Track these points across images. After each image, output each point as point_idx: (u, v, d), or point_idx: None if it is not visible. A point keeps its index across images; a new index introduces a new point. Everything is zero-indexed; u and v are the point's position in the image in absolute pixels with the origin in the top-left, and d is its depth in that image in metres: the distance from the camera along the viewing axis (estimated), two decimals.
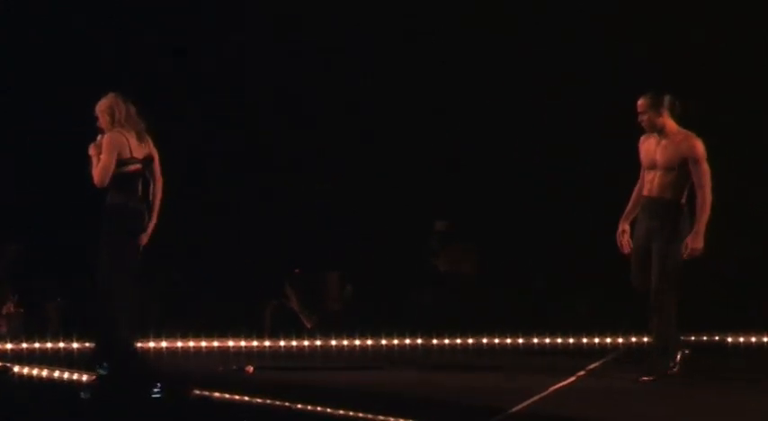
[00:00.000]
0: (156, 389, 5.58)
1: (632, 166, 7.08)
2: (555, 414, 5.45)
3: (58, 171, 8.87)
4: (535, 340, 8.31)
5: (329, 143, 10.10)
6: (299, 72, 10.39)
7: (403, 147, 9.87)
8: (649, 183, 6.40)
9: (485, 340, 8.38)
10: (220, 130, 10.01)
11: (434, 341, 8.47)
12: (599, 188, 8.97)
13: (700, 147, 6.31)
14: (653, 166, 6.37)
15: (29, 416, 5.18)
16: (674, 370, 6.32)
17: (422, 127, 9.95)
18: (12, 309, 8.27)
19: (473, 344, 8.36)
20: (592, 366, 6.71)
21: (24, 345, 7.82)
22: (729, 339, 8.34)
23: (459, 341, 8.39)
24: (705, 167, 6.30)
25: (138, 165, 6.19)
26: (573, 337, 8.14)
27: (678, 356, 6.41)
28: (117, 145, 6.12)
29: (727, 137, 9.11)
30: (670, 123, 6.33)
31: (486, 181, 9.89)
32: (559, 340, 8.29)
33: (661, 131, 6.32)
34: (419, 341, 8.39)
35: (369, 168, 9.72)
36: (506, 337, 8.41)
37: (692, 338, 8.33)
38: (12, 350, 7.76)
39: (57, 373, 6.57)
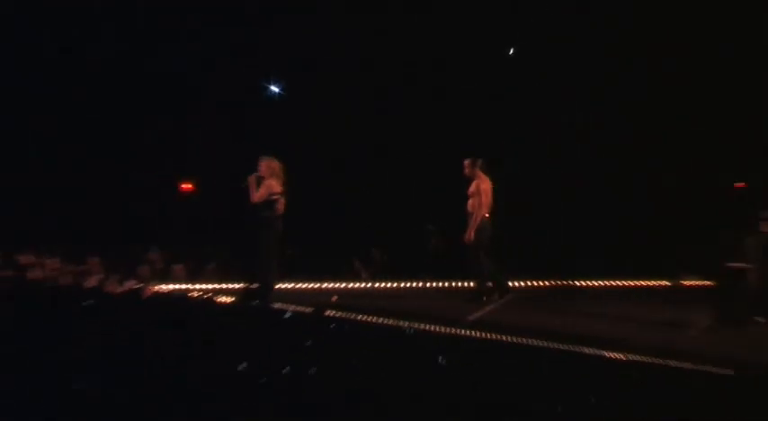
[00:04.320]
0: (288, 312, 10.20)
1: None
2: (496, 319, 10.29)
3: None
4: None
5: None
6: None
7: None
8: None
9: None
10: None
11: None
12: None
13: (482, 185, 11.78)
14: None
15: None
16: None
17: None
18: None
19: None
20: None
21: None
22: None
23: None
24: (483, 198, 11.68)
25: (278, 196, 11.16)
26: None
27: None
28: (273, 186, 11.06)
29: None
30: (479, 174, 11.79)
31: None
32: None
33: (474, 178, 11.77)
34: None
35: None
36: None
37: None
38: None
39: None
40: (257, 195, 10.95)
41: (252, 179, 11.03)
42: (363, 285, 14.04)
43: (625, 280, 14.14)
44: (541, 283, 13.86)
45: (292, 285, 13.35)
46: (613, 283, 14.00)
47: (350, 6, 14.64)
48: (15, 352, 6.53)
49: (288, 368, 6.35)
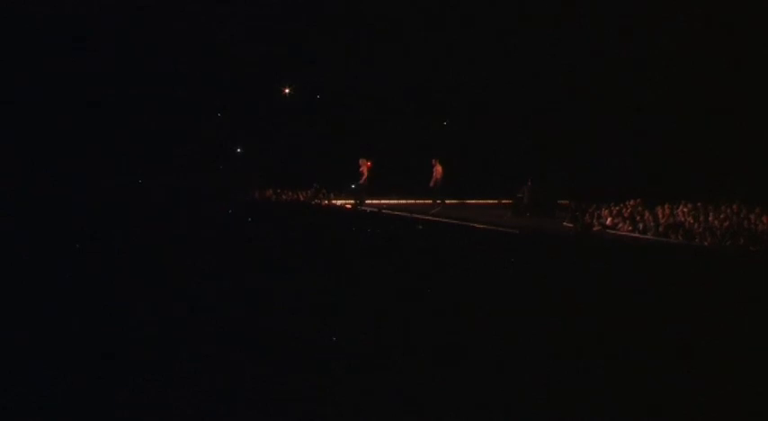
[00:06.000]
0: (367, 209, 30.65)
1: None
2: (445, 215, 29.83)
3: None
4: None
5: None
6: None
7: None
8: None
9: None
10: None
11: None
12: None
13: (438, 168, 30.91)
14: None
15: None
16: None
17: None
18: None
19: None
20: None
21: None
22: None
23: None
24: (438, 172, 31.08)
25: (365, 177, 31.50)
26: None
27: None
28: (367, 170, 31.22)
29: None
30: (437, 164, 31.00)
31: None
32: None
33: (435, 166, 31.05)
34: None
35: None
36: None
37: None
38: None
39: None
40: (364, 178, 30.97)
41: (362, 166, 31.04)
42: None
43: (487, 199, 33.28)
44: (456, 201, 32.43)
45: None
46: (483, 201, 33.14)
47: None
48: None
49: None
